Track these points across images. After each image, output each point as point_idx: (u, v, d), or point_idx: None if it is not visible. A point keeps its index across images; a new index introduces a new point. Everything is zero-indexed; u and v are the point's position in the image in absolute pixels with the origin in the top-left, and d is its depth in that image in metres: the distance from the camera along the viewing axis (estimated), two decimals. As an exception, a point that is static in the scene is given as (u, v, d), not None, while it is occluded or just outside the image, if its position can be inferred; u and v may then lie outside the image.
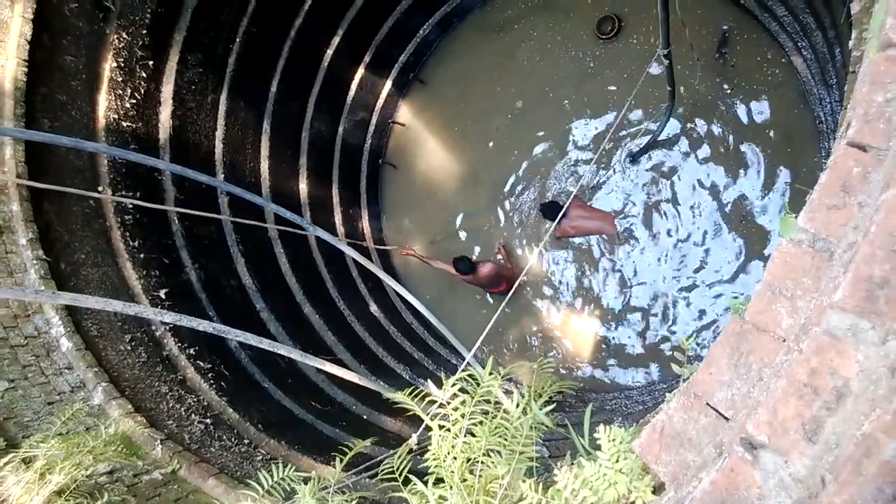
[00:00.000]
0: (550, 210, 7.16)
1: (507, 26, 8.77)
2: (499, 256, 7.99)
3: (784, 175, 6.56)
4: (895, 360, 1.06)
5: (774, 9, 6.24)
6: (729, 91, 6.93)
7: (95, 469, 3.63)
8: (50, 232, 4.66)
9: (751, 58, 6.87)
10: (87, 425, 4.06)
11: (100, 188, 5.26)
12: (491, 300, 8.12)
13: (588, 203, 7.56)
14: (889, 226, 1.13)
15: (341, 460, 3.08)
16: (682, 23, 5.31)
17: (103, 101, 5.36)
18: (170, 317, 2.53)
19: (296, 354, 2.80)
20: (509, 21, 8.77)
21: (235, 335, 2.59)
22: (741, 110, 6.87)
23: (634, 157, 7.34)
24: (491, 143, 8.58)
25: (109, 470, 3.79)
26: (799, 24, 5.95)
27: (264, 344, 2.64)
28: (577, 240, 7.62)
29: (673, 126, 7.10)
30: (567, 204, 4.96)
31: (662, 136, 7.08)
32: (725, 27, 6.99)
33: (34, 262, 4.39)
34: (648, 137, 7.01)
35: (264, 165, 7.36)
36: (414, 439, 2.96)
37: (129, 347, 4.82)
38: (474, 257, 8.18)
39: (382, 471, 2.84)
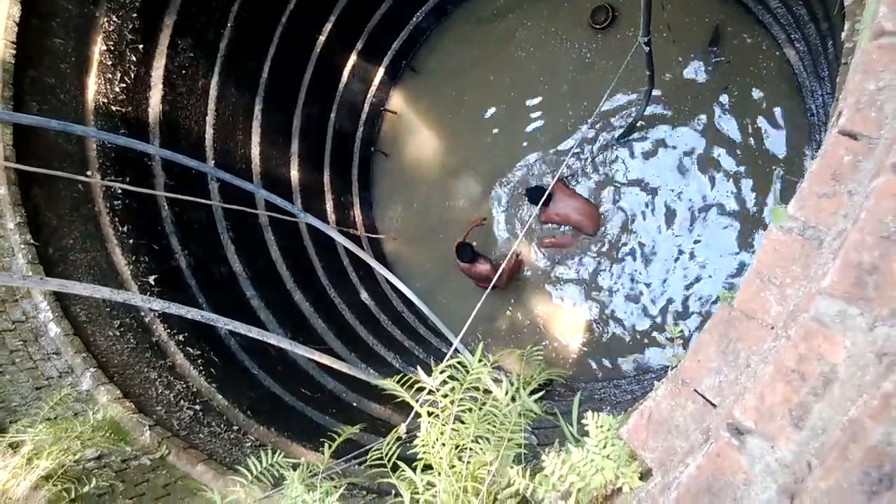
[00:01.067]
0: (536, 194, 7.16)
1: (501, 15, 8.72)
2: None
3: (775, 165, 6.58)
4: (883, 346, 1.06)
5: (768, 0, 6.24)
6: (720, 81, 6.93)
7: (83, 454, 3.63)
8: (38, 216, 4.62)
9: (743, 49, 6.87)
10: (75, 410, 4.04)
11: (88, 172, 5.21)
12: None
13: (578, 192, 7.55)
14: (879, 213, 1.13)
15: (330, 447, 3.08)
16: (663, 6, 5.29)
17: (92, 84, 5.30)
18: (159, 304, 2.51)
19: (285, 344, 2.79)
20: (503, 10, 8.73)
21: (224, 324, 2.57)
22: (733, 101, 6.87)
23: (619, 143, 7.37)
24: (483, 132, 8.54)
25: (97, 455, 3.78)
26: (792, 16, 5.96)
27: (253, 333, 2.63)
28: (569, 230, 7.61)
29: (665, 117, 7.11)
30: (549, 187, 4.92)
31: (655, 128, 7.08)
32: (717, 21, 6.98)
33: (22, 246, 4.36)
34: (632, 123, 7.03)
35: (255, 151, 7.31)
36: (403, 428, 2.96)
37: (117, 333, 4.80)
38: (496, 250, 8.16)
39: (371, 457, 2.85)
